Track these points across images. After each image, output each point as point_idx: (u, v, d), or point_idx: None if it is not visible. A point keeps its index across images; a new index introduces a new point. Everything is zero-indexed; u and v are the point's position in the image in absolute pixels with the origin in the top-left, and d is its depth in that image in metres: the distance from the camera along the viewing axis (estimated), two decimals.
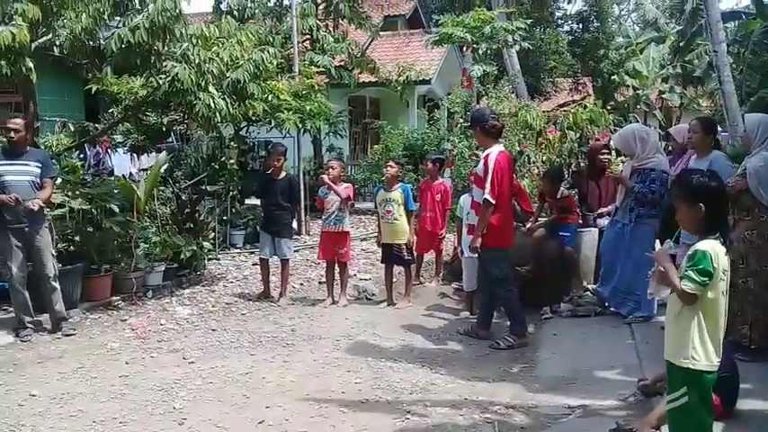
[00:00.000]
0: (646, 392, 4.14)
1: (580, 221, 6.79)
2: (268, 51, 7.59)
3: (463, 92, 13.70)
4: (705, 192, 2.97)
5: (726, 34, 14.07)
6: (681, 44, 22.55)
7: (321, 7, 14.84)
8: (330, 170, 7.19)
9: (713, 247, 2.85)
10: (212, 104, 6.91)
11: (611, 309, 6.16)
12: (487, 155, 5.55)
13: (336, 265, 7.13)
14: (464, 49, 14.50)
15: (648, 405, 3.97)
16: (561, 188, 6.82)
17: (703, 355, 2.88)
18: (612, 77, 24.93)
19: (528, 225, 6.88)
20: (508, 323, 5.79)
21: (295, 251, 8.64)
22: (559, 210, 6.66)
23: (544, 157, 10.60)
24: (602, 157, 7.00)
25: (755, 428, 3.59)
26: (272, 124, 10.20)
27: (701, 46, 21.45)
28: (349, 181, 7.65)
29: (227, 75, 7.20)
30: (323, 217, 7.22)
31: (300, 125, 10.24)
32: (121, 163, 11.56)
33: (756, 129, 4.74)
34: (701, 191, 2.97)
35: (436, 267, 8.07)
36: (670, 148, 6.65)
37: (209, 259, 8.68)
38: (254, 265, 8.58)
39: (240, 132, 10.76)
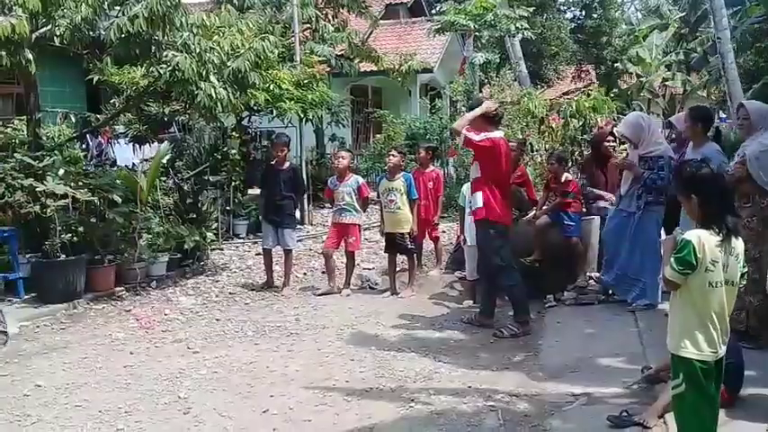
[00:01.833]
0: (650, 380, 4.15)
1: (584, 210, 6.76)
2: (269, 40, 7.54)
3: (465, 80, 13.64)
4: (694, 182, 2.99)
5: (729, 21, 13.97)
6: (683, 31, 22.45)
7: None
8: (341, 160, 7.19)
9: (699, 238, 2.85)
10: (214, 94, 6.89)
11: (616, 296, 6.15)
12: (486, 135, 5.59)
13: (343, 254, 7.16)
14: (465, 36, 14.41)
15: (652, 393, 3.98)
16: (565, 173, 6.80)
17: (691, 343, 2.90)
18: (616, 64, 24.82)
19: (532, 213, 6.87)
20: (511, 312, 5.79)
21: (298, 241, 8.65)
22: (562, 194, 6.62)
23: (547, 145, 10.57)
24: (607, 144, 6.99)
25: (760, 415, 3.58)
26: (274, 114, 10.17)
27: (703, 33, 21.39)
28: (352, 171, 7.64)
29: (228, 64, 7.17)
30: (333, 209, 7.23)
31: (302, 115, 10.21)
32: (124, 153, 11.54)
33: (759, 115, 4.73)
34: (690, 181, 3.00)
35: (436, 256, 8.08)
36: (673, 135, 6.62)
37: (213, 249, 8.68)
38: (257, 254, 8.58)
39: (242, 122, 10.74)
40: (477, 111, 5.64)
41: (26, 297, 6.55)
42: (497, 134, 5.65)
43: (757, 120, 4.73)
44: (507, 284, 5.73)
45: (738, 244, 2.94)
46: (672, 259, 2.88)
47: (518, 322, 5.64)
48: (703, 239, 2.85)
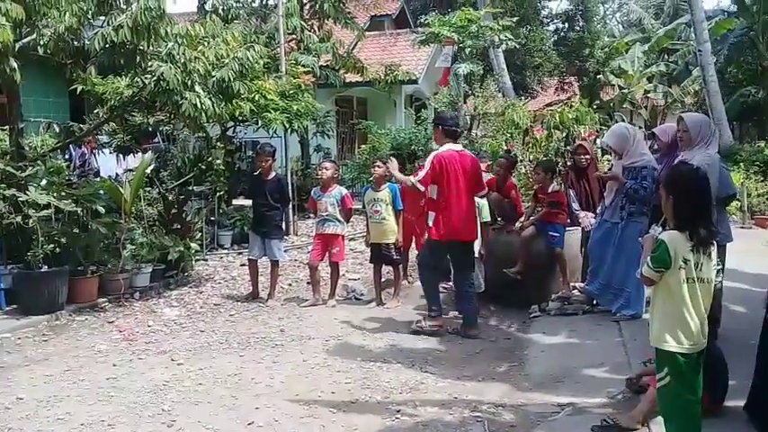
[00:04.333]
0: (633, 388, 4.17)
1: (568, 221, 6.80)
2: (254, 50, 7.55)
3: (449, 91, 13.72)
4: (673, 183, 3.16)
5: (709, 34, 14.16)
6: (664, 45, 22.76)
7: (307, 7, 14.80)
8: (325, 171, 7.18)
9: (671, 238, 3.03)
10: (198, 104, 6.87)
11: (600, 306, 6.19)
12: (434, 153, 5.93)
13: (328, 265, 7.13)
14: (443, 45, 14.40)
15: (637, 402, 4.00)
16: (553, 183, 6.83)
17: (671, 337, 3.05)
18: (598, 76, 25.07)
19: (518, 224, 6.90)
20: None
21: (284, 251, 8.61)
22: (549, 204, 6.65)
23: (531, 156, 10.66)
24: (578, 157, 7.08)
25: (741, 425, 3.61)
26: (259, 124, 10.16)
27: (683, 46, 21.69)
28: (337, 182, 7.63)
29: (213, 74, 7.16)
30: (316, 220, 7.21)
31: (287, 125, 10.20)
32: (107, 164, 11.46)
33: (698, 129, 4.88)
34: (670, 181, 3.18)
35: None
36: (656, 147, 6.69)
37: (197, 260, 8.63)
38: (242, 265, 8.54)
39: (227, 132, 10.71)
40: (404, 181, 6.22)
41: (8, 309, 6.47)
42: (445, 148, 5.90)
43: (695, 134, 4.87)
44: (425, 278, 6.10)
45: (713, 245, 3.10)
46: (648, 258, 3.07)
47: (431, 317, 5.97)
48: (674, 239, 3.02)
